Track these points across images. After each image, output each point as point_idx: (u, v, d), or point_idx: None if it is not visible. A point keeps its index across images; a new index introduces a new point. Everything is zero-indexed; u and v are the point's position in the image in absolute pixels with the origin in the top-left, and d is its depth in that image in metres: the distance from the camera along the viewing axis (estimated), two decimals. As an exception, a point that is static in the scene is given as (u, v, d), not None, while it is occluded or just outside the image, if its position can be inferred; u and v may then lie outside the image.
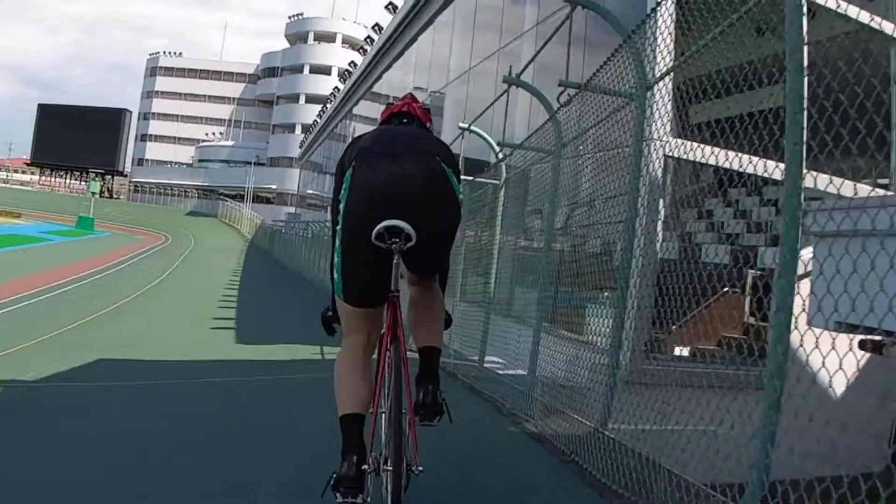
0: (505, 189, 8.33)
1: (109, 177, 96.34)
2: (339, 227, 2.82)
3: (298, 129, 78.60)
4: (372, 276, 2.83)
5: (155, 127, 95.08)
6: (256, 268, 33.11)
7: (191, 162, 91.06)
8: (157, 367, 8.64)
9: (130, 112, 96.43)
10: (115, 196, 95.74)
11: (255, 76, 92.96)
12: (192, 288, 21.50)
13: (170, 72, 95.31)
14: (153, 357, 9.27)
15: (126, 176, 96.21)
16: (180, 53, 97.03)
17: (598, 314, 4.98)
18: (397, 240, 2.65)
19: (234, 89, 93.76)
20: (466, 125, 9.30)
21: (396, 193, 2.71)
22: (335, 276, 2.91)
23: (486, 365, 7.97)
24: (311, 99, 77.91)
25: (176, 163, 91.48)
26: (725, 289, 4.71)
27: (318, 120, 58.41)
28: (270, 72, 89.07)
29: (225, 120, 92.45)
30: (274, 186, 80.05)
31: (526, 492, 4.06)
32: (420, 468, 2.62)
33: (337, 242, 2.86)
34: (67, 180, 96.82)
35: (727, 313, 5.70)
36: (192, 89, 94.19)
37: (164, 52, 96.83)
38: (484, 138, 8.75)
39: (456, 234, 3.05)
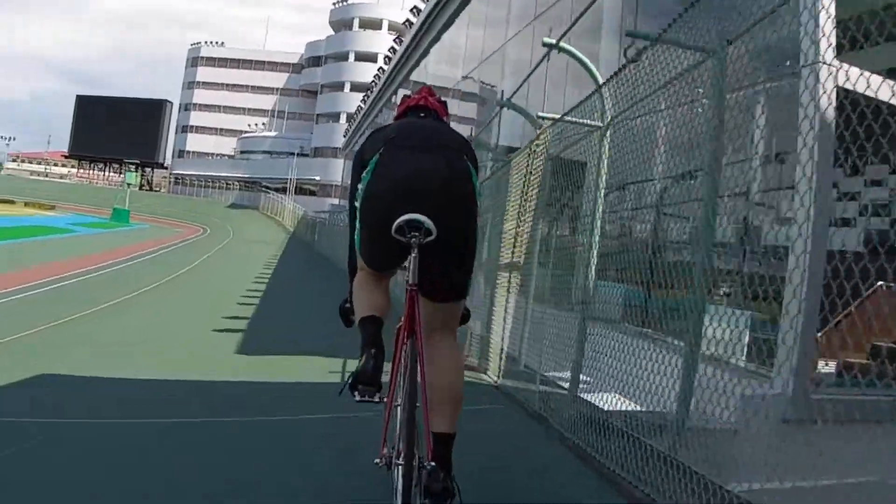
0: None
1: (149, 169, 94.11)
2: (358, 216, 2.91)
3: (343, 119, 74.92)
4: (388, 256, 2.92)
5: (196, 118, 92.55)
6: (294, 259, 32.02)
7: (233, 153, 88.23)
8: (128, 391, 6.58)
9: (171, 103, 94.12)
10: (154, 189, 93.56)
11: (300, 65, 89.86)
12: (217, 280, 19.95)
13: (212, 62, 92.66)
14: (129, 373, 7.24)
15: (166, 168, 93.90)
16: (222, 43, 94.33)
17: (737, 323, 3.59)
18: (417, 234, 2.67)
19: (278, 79, 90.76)
20: (504, 101, 9.00)
21: (418, 188, 2.75)
22: (357, 240, 2.99)
23: (581, 395, 5.35)
24: (356, 87, 74.06)
25: (217, 154, 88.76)
26: (880, 283, 3.52)
27: (363, 105, 54.95)
28: (314, 61, 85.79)
29: (268, 111, 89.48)
30: (317, 177, 76.81)
31: None
32: (432, 463, 2.56)
33: (357, 224, 2.93)
34: (106, 173, 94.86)
35: (883, 314, 4.54)
36: (234, 80, 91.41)
37: (206, 42, 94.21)
38: (523, 112, 8.09)
39: (476, 235, 3.01)
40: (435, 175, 2.79)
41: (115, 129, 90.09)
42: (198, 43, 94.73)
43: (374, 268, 3.04)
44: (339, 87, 79.76)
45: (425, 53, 31.24)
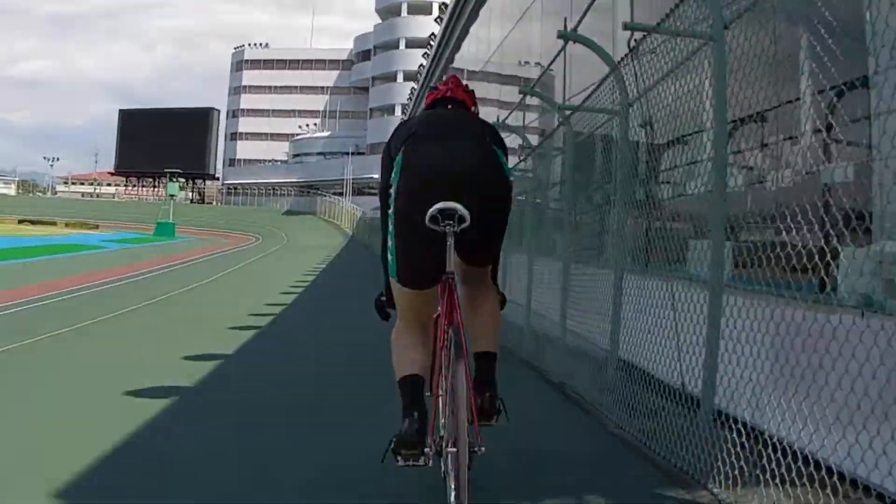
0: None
1: (200, 181, 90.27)
2: (390, 211, 2.87)
3: (398, 111, 69.28)
4: (426, 258, 2.83)
5: (245, 124, 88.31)
6: (346, 263, 29.43)
7: (285, 158, 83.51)
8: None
9: (218, 111, 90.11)
10: (206, 201, 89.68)
11: (349, 62, 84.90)
12: (238, 294, 16.22)
13: (256, 64, 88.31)
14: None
15: (218, 179, 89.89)
16: (266, 44, 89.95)
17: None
18: (451, 222, 2.66)
19: (327, 77, 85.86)
20: (527, 89, 8.90)
21: (448, 176, 2.73)
22: (389, 257, 2.94)
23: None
24: (409, 76, 68.31)
25: (269, 160, 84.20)
26: None
27: (414, 90, 49.58)
28: (364, 55, 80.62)
29: (319, 111, 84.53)
30: (375, 175, 70.91)
31: None
32: (482, 448, 2.58)
33: (390, 226, 2.90)
34: (156, 189, 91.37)
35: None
36: (281, 81, 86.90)
37: (249, 45, 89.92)
38: (546, 98, 8.53)
39: (508, 216, 3.02)
40: (462, 162, 2.78)
41: (162, 142, 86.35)
42: (241, 46, 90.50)
43: (410, 277, 2.94)
44: (390, 77, 74.30)
45: (463, 35, 27.74)
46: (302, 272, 20.87)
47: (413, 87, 49.74)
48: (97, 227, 60.43)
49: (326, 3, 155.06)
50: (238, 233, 53.55)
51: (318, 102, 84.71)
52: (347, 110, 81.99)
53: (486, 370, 2.95)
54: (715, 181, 3.50)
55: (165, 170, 68.79)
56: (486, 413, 2.85)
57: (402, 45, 73.47)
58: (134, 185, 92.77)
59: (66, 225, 60.11)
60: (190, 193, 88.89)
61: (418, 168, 2.81)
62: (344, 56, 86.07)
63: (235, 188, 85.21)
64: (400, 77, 72.25)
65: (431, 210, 2.65)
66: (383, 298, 3.17)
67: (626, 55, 4.91)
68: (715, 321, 3.46)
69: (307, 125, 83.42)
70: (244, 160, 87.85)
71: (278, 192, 79.43)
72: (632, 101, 4.96)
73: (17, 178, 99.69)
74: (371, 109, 77.03)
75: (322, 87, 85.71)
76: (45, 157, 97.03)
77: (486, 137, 2.93)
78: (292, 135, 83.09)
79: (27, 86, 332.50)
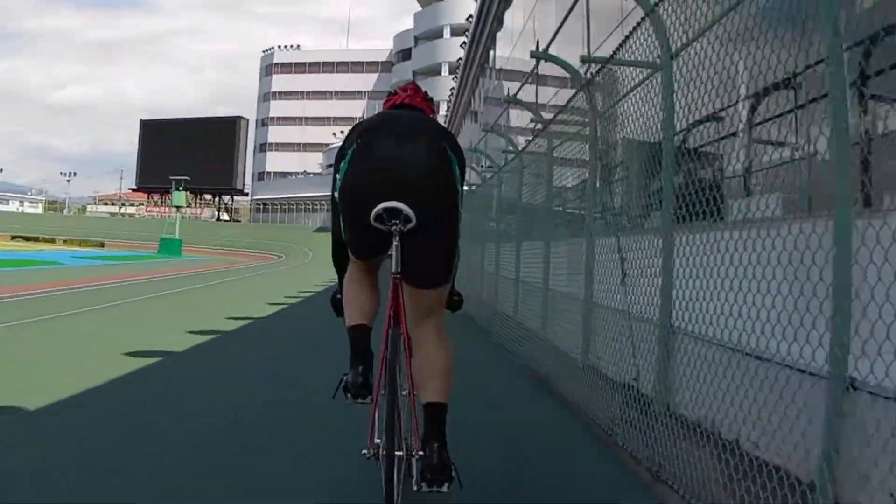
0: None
1: (228, 197, 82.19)
2: (336, 195, 2.80)
3: (443, 108, 60.27)
4: (371, 244, 2.78)
5: (275, 134, 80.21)
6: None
7: (319, 170, 74.83)
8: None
9: (246, 120, 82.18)
10: (234, 218, 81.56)
11: (389, 63, 76.60)
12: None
13: (287, 68, 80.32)
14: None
15: (247, 195, 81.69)
16: (298, 46, 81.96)
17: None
18: (397, 221, 2.58)
19: (366, 81, 77.49)
20: (539, 52, 7.24)
21: (395, 175, 2.63)
22: (342, 228, 2.87)
23: None
24: (455, 68, 59.48)
25: (302, 173, 75.66)
26: None
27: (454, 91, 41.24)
28: (405, 54, 72.11)
29: (356, 119, 75.91)
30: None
31: None
32: (420, 452, 2.54)
33: (340, 215, 2.84)
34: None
35: None
36: (314, 86, 78.79)
37: (279, 47, 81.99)
38: (561, 62, 6.50)
39: (456, 230, 2.81)
40: (412, 162, 2.66)
41: (187, 156, 78.75)
42: (270, 49, 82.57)
43: (360, 256, 2.91)
44: (433, 70, 65.16)
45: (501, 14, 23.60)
46: (280, 297, 17.24)
47: (452, 88, 41.35)
48: (102, 245, 56.83)
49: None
50: (259, 252, 49.86)
51: (356, 108, 76.14)
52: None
53: (436, 424, 2.66)
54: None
55: (171, 177, 60.49)
56: (434, 474, 2.55)
57: (446, 33, 64.54)
58: (156, 204, 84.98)
59: (65, 242, 53.23)
60: (216, 211, 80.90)
61: (368, 161, 2.68)
62: (383, 57, 77.82)
63: (265, 204, 76.87)
64: (444, 70, 63.17)
65: (376, 209, 2.55)
66: (339, 296, 3.07)
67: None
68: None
69: (342, 132, 74.83)
70: (275, 173, 79.62)
71: (312, 207, 70.88)
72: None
73: (43, 198, 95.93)
74: (413, 110, 68.17)
75: (359, 92, 77.27)
76: (61, 173, 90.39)
77: (442, 142, 2.76)
78: (327, 144, 74.55)
79: (70, 111, 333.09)
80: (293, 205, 73.04)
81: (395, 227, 2.58)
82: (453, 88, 40.82)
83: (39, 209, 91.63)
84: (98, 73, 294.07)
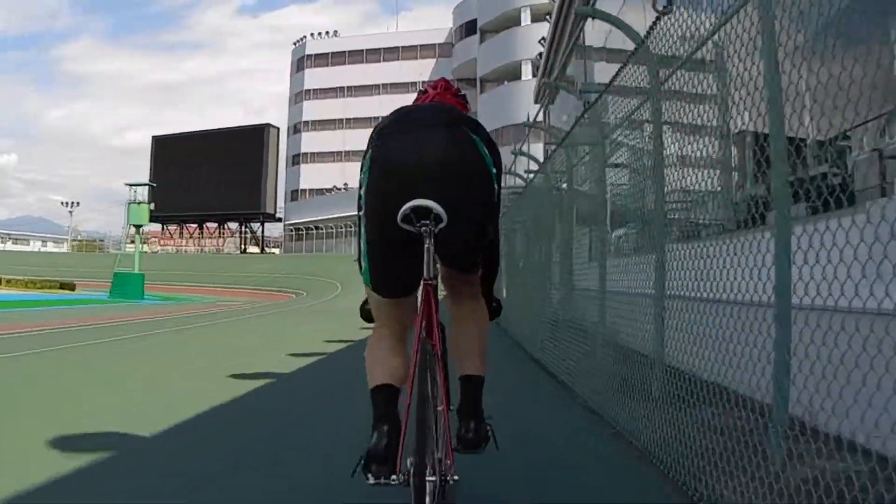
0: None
1: (257, 224, 66.55)
2: (361, 213, 2.57)
3: (527, 111, 42.89)
4: (401, 264, 2.49)
5: (310, 141, 64.43)
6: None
7: (363, 182, 58.41)
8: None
9: (277, 129, 66.54)
10: (265, 249, 65.89)
11: (447, 45, 60.17)
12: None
13: (323, 60, 64.69)
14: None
15: (281, 220, 65.95)
16: (335, 33, 66.28)
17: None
18: (427, 221, 2.30)
19: (421, 70, 60.97)
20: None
21: (420, 170, 2.38)
22: (363, 264, 2.61)
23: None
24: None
25: (343, 186, 59.24)
26: None
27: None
28: (468, 28, 55.43)
29: (409, 116, 59.45)
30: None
31: None
32: (456, 477, 2.27)
33: (362, 230, 2.58)
34: (201, 237, 68.18)
35: None
36: (357, 79, 62.89)
37: (313, 35, 66.42)
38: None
39: (496, 211, 2.62)
40: (434, 153, 2.41)
41: (207, 176, 63.74)
42: (302, 38, 67.04)
43: (384, 286, 2.62)
44: (511, 72, 48.23)
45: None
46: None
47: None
48: (73, 287, 44.53)
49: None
50: (270, 290, 39.56)
51: (410, 103, 59.71)
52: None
53: (472, 397, 2.64)
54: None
55: (126, 184, 43.98)
56: (470, 443, 2.56)
57: (524, 18, 47.64)
58: (171, 236, 70.04)
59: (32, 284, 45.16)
60: (241, 243, 65.42)
61: (386, 163, 2.44)
62: (441, 38, 61.43)
63: (297, 230, 60.82)
64: (526, 72, 46.38)
65: (403, 209, 2.27)
66: (368, 307, 2.84)
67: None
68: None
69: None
70: (310, 191, 63.65)
71: (356, 231, 54.45)
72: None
73: (69, 238, 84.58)
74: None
75: (413, 84, 60.75)
76: (62, 203, 77.28)
77: (461, 125, 2.52)
78: (374, 148, 58.19)
79: (134, 155, 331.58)
80: (332, 228, 56.83)
81: (425, 227, 2.30)
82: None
83: (65, 248, 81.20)
84: (160, 116, 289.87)
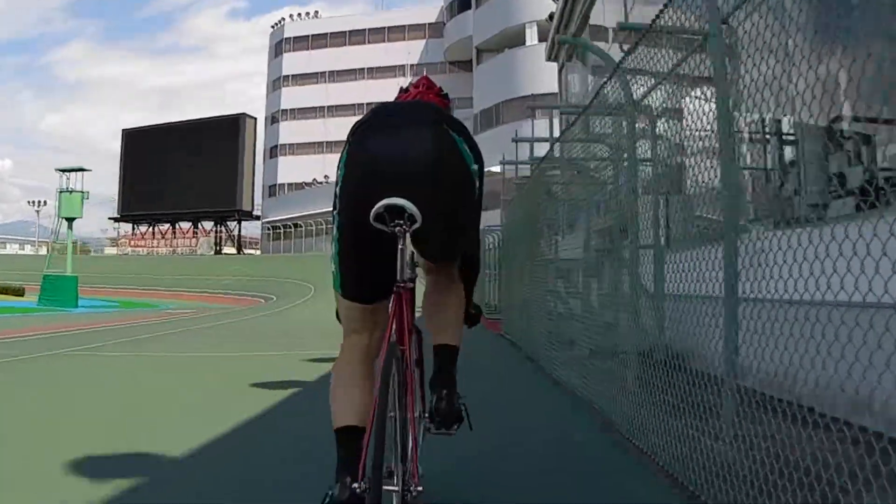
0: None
1: (234, 223, 61.31)
2: (335, 212, 2.43)
3: (537, 78, 37.60)
4: (372, 266, 2.39)
5: (289, 132, 59.15)
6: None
7: (346, 174, 53.16)
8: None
9: (254, 119, 61.26)
10: (242, 250, 60.72)
11: (439, 24, 54.98)
12: None
13: (302, 43, 59.48)
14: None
15: (259, 218, 60.66)
16: (316, 14, 61.10)
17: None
18: (401, 221, 2.19)
19: (409, 52, 55.98)
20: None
21: (396, 167, 2.26)
22: (333, 267, 2.47)
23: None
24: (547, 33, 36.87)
25: (324, 179, 53.90)
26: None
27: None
28: (462, 3, 50.13)
29: (396, 102, 54.19)
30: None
31: None
32: (419, 489, 2.23)
33: (334, 230, 2.45)
34: (174, 238, 62.91)
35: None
36: (339, 63, 57.73)
37: (292, 17, 61.19)
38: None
39: (476, 211, 2.54)
40: (412, 150, 2.30)
41: (180, 172, 58.61)
42: (280, 21, 61.78)
43: (354, 290, 2.45)
44: (512, 38, 42.56)
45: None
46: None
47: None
48: (21, 293, 39.10)
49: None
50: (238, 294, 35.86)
51: (397, 89, 54.35)
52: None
53: (445, 366, 2.52)
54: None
55: (56, 169, 38.15)
56: (442, 417, 2.43)
57: None
58: (142, 236, 64.78)
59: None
60: (214, 244, 60.27)
61: (361, 160, 2.34)
62: (431, 17, 56.26)
63: (276, 228, 55.55)
64: (530, 36, 40.94)
65: (376, 207, 2.16)
66: None
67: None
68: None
69: (378, 115, 52.93)
70: (288, 185, 58.39)
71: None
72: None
73: (52, 239, 77.48)
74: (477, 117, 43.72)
75: (400, 67, 55.76)
76: (28, 202, 72.00)
77: (442, 123, 2.39)
78: (358, 137, 52.92)
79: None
80: (311, 225, 51.54)
81: (399, 227, 2.20)
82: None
83: (44, 251, 74.51)
84: (160, 119, 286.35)
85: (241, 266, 47.90)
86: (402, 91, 2.88)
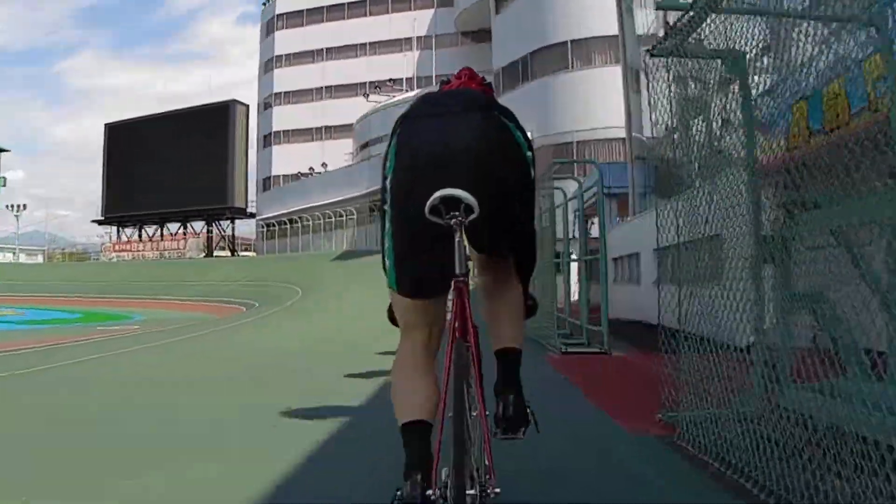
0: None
1: (227, 223, 55.21)
2: (386, 206, 2.35)
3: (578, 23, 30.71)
4: (429, 260, 2.29)
5: (282, 117, 52.90)
6: None
7: (349, 160, 46.57)
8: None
9: (246, 106, 55.13)
10: (236, 252, 54.67)
11: (449, -8, 48.54)
12: None
13: (296, 19, 53.26)
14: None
15: (254, 216, 54.46)
16: (312, -15, 54.85)
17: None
18: (457, 212, 2.08)
19: (417, 23, 49.54)
20: None
21: (449, 157, 2.20)
22: (386, 262, 2.40)
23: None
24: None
25: (322, 167, 47.51)
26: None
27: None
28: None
29: (403, 80, 47.67)
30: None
31: None
32: (497, 490, 2.14)
33: (387, 224, 2.36)
34: (161, 240, 56.93)
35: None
36: (337, 39, 51.52)
37: (285, -10, 54.98)
38: None
39: (532, 200, 2.47)
40: (465, 138, 2.22)
41: (166, 168, 52.84)
42: (271, -3, 55.55)
43: (411, 286, 2.36)
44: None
45: None
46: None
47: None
48: None
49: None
50: (221, 300, 30.38)
51: (402, 65, 48.19)
52: (452, 73, 43.92)
53: (509, 370, 2.44)
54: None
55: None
56: (509, 422, 2.34)
57: None
58: (128, 241, 58.90)
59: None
60: (205, 244, 54.29)
61: (413, 150, 2.26)
62: (441, -15, 49.83)
63: (271, 225, 49.26)
64: None
65: (431, 200, 2.07)
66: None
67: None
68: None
69: (388, 84, 46.18)
70: (283, 177, 52.13)
71: (337, 221, 42.88)
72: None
73: (46, 248, 77.49)
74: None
75: (406, 40, 49.45)
76: (7, 206, 66.99)
77: (493, 110, 2.34)
78: (362, 118, 46.33)
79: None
80: (309, 220, 45.15)
81: (455, 219, 2.10)
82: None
83: (40, 259, 72.09)
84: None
85: (230, 267, 41.87)
86: (444, 83, 2.69)
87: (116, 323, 25.78)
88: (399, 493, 2.12)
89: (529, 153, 2.40)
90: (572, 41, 28.98)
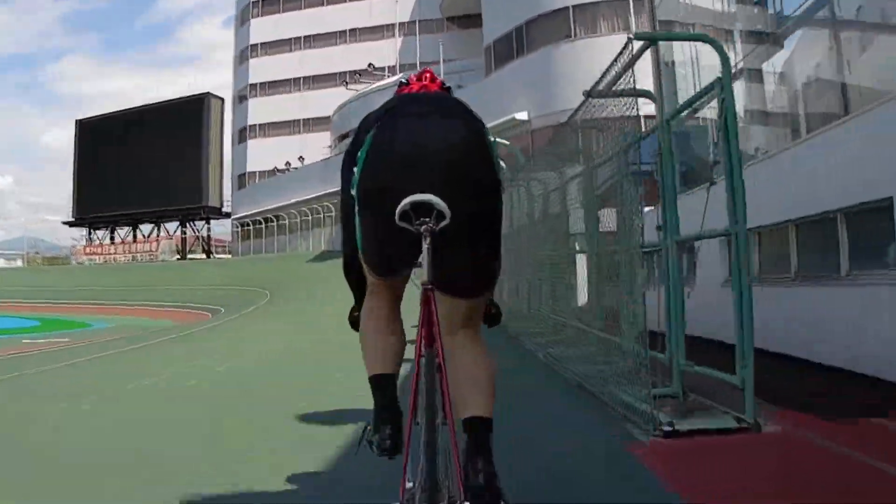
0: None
1: (202, 223, 52.38)
2: (354, 198, 2.26)
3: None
4: (393, 255, 2.27)
5: (258, 110, 50.02)
6: None
7: (328, 153, 43.76)
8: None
9: (221, 99, 52.34)
10: (210, 254, 51.89)
11: (434, -26, 45.75)
12: None
13: (272, 5, 50.43)
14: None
15: (230, 216, 51.65)
16: (288, -29, 52.00)
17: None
18: (427, 219, 2.03)
19: (399, 8, 46.80)
20: None
21: (424, 160, 2.13)
22: (358, 236, 2.31)
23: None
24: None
25: (298, 162, 44.70)
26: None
27: None
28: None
29: (384, 68, 44.86)
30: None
31: None
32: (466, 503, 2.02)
33: (356, 220, 2.30)
34: (134, 242, 54.10)
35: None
36: (316, 26, 48.75)
37: (260, -24, 52.11)
38: None
39: (499, 224, 2.32)
40: (447, 144, 2.15)
41: (139, 166, 50.07)
42: (248, -18, 52.67)
43: (381, 272, 2.37)
44: None
45: None
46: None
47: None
48: None
49: None
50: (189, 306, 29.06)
51: (384, 53, 45.47)
52: (438, 60, 40.67)
53: (479, 441, 2.21)
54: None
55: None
56: (478, 495, 2.11)
57: None
58: (100, 243, 56.08)
59: None
60: (177, 248, 51.49)
61: (390, 145, 2.16)
62: (424, -33, 47.07)
63: (245, 225, 46.44)
64: None
65: (401, 206, 2.00)
66: (356, 314, 2.57)
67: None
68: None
69: (368, 70, 43.34)
70: (259, 173, 49.26)
71: (314, 220, 40.14)
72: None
73: (25, 251, 75.74)
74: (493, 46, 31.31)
75: (388, 27, 46.74)
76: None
77: (476, 121, 2.29)
78: (341, 107, 43.53)
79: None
80: (286, 218, 42.33)
81: (425, 226, 2.04)
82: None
83: (20, 263, 70.19)
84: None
85: (206, 270, 39.18)
86: (403, 84, 2.56)
87: (69, 332, 25.05)
88: (367, 429, 2.27)
89: (500, 176, 2.34)
90: (574, 6, 26.13)
